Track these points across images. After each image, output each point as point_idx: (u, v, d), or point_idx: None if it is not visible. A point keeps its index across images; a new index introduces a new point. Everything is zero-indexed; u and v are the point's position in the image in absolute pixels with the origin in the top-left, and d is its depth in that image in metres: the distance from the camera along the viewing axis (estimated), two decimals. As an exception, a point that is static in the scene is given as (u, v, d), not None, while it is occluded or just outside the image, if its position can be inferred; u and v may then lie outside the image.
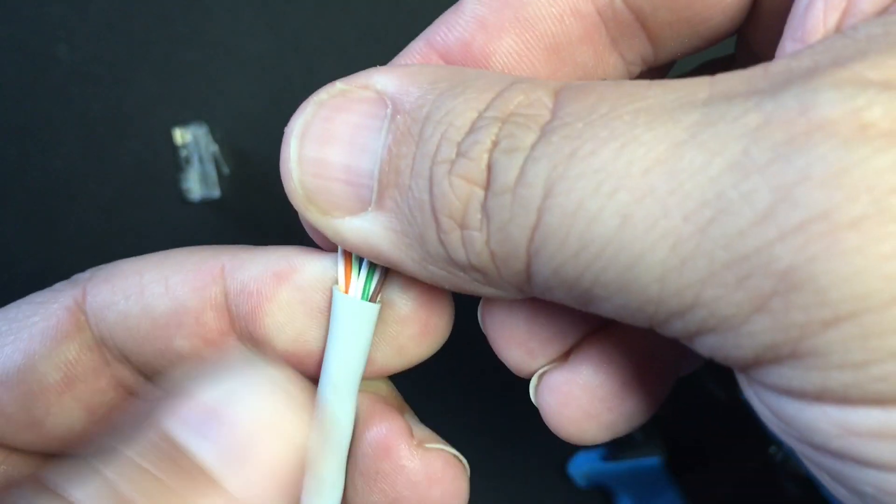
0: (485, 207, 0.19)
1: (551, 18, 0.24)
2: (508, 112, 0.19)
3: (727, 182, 0.16)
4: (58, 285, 0.27)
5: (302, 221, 0.25)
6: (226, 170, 0.60)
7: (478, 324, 0.30)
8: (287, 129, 0.23)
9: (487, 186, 0.19)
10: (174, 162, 0.60)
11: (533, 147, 0.18)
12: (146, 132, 0.60)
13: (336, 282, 0.24)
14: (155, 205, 0.61)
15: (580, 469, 0.56)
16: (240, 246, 0.26)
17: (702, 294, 0.17)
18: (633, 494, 0.56)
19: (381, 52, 0.62)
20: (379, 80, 0.22)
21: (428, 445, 0.27)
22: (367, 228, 0.21)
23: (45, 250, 0.60)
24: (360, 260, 0.24)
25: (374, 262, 0.23)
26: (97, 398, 0.26)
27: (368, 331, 0.24)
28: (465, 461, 0.28)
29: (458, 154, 0.19)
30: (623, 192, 0.17)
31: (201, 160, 0.60)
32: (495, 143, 0.19)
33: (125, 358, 0.26)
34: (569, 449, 0.57)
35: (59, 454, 0.27)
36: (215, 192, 0.60)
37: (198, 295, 0.25)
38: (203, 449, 0.20)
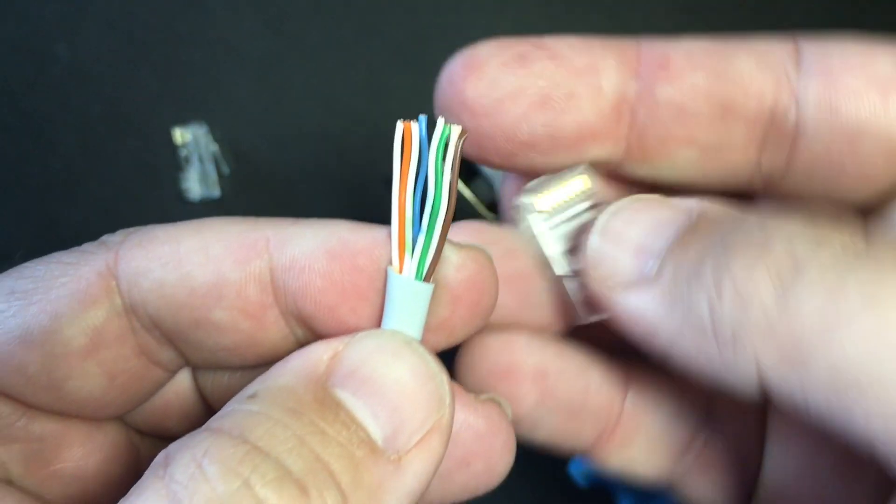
0: (785, 296, 0.21)
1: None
2: (822, 234, 0.21)
3: None
4: (86, 246, 0.26)
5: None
6: (226, 170, 0.60)
7: None
8: (602, 212, 0.26)
9: (791, 281, 0.21)
10: (174, 162, 0.60)
11: (849, 261, 0.20)
12: (146, 132, 0.60)
13: (390, 262, 0.24)
14: (155, 204, 0.61)
15: (581, 469, 0.56)
16: (281, 218, 0.26)
17: None
18: (633, 494, 0.56)
19: (381, 51, 0.63)
20: (691, 201, 0.25)
21: (482, 397, 0.29)
22: (632, 300, 0.24)
23: (45, 250, 0.60)
24: (414, 241, 0.24)
25: (635, 336, 0.25)
26: (120, 365, 0.26)
27: (422, 311, 0.25)
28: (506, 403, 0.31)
29: (764, 246, 0.21)
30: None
31: (201, 160, 0.60)
32: (807, 251, 0.21)
33: (155, 326, 0.26)
34: (569, 449, 0.57)
35: (76, 416, 0.27)
36: (215, 192, 0.60)
37: (241, 267, 0.25)
38: (356, 405, 0.22)
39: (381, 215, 0.26)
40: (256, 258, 0.25)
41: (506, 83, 0.25)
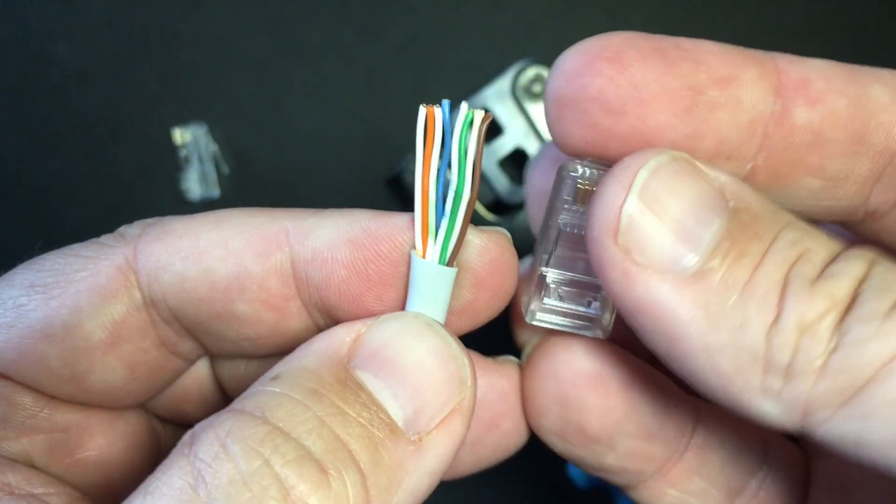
0: (840, 327, 0.19)
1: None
2: (872, 258, 0.20)
3: None
4: (105, 238, 0.26)
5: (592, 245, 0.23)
6: (226, 170, 0.61)
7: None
8: (630, 158, 0.22)
9: (848, 311, 0.19)
10: (174, 162, 0.60)
11: None
12: (146, 132, 0.60)
13: (413, 247, 0.24)
14: (155, 205, 0.61)
15: (580, 469, 0.56)
16: (300, 209, 0.26)
17: None
18: (633, 494, 0.56)
19: (381, 51, 0.63)
20: (721, 174, 0.23)
21: (499, 360, 0.29)
22: (664, 290, 0.21)
23: (46, 250, 0.60)
24: (437, 225, 0.24)
25: (645, 324, 0.22)
26: (140, 357, 0.26)
27: (446, 294, 0.25)
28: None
29: (824, 275, 0.20)
30: None
31: (201, 160, 0.60)
32: (865, 278, 0.20)
33: (175, 319, 0.26)
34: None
35: (98, 406, 0.27)
36: (215, 192, 0.60)
37: (262, 261, 0.25)
38: (377, 386, 0.22)
39: (381, 215, 0.27)
40: (277, 251, 0.25)
41: (648, 81, 0.22)
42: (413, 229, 0.25)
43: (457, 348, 0.24)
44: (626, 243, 0.22)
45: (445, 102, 0.23)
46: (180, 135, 0.60)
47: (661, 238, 0.21)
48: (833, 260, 0.21)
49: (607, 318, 0.25)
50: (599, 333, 0.26)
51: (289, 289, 0.25)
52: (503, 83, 0.55)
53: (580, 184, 0.24)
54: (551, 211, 0.26)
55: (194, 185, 0.60)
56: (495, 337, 0.30)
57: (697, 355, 0.21)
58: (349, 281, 0.25)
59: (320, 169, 0.61)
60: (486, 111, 0.23)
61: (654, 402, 0.28)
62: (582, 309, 0.25)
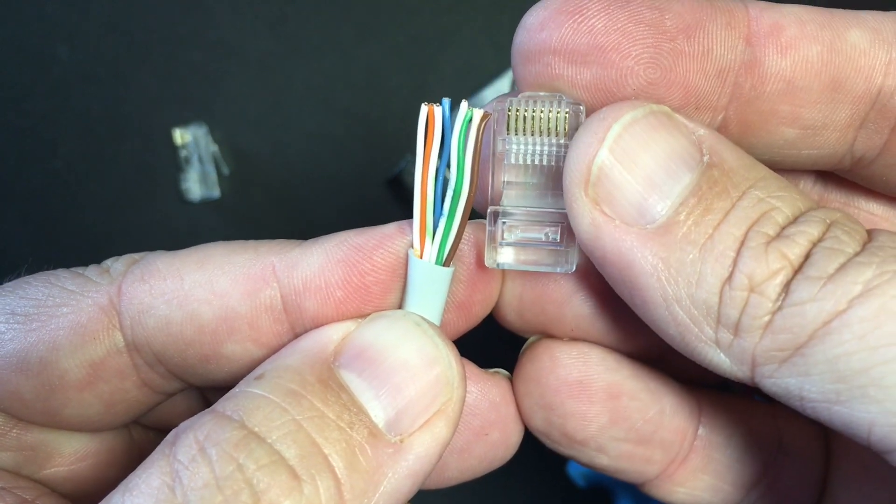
0: (789, 285, 0.20)
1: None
2: (832, 219, 0.21)
3: None
4: (90, 271, 0.26)
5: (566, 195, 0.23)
6: (226, 170, 0.61)
7: (478, 324, 0.30)
8: (608, 110, 0.22)
9: (799, 270, 0.20)
10: (174, 162, 0.60)
11: (857, 254, 0.20)
12: (146, 132, 0.60)
13: (411, 245, 0.24)
14: (155, 205, 0.61)
15: (580, 469, 0.56)
16: (283, 241, 0.25)
17: None
18: (632, 494, 0.56)
19: (382, 52, 0.63)
20: (699, 127, 0.23)
21: (490, 371, 0.29)
22: (633, 243, 0.21)
23: (46, 250, 0.60)
24: (435, 225, 0.24)
25: (611, 273, 0.23)
26: (119, 396, 0.26)
27: (442, 293, 0.25)
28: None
29: (781, 235, 0.20)
30: None
31: (201, 160, 0.60)
32: (819, 239, 0.20)
33: (160, 363, 0.25)
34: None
35: (75, 431, 0.27)
36: (215, 192, 0.60)
37: (250, 300, 0.24)
38: (360, 387, 0.22)
39: (381, 215, 0.26)
40: (266, 287, 0.24)
41: (610, 30, 0.22)
42: (403, 235, 0.24)
43: (444, 349, 0.23)
44: (596, 195, 0.22)
45: (446, 101, 0.23)
46: (180, 135, 0.60)
47: (629, 191, 0.22)
48: (794, 220, 0.21)
49: (570, 250, 0.25)
50: (566, 268, 0.25)
51: (281, 325, 0.25)
52: (503, 83, 0.55)
53: (509, 112, 0.24)
54: (491, 150, 0.25)
55: (194, 185, 0.60)
56: (489, 353, 0.30)
57: (657, 305, 0.21)
58: (347, 301, 0.24)
59: (320, 169, 0.61)
60: (486, 111, 0.23)
61: (645, 409, 0.28)
62: (540, 238, 0.25)
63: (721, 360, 0.21)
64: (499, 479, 0.59)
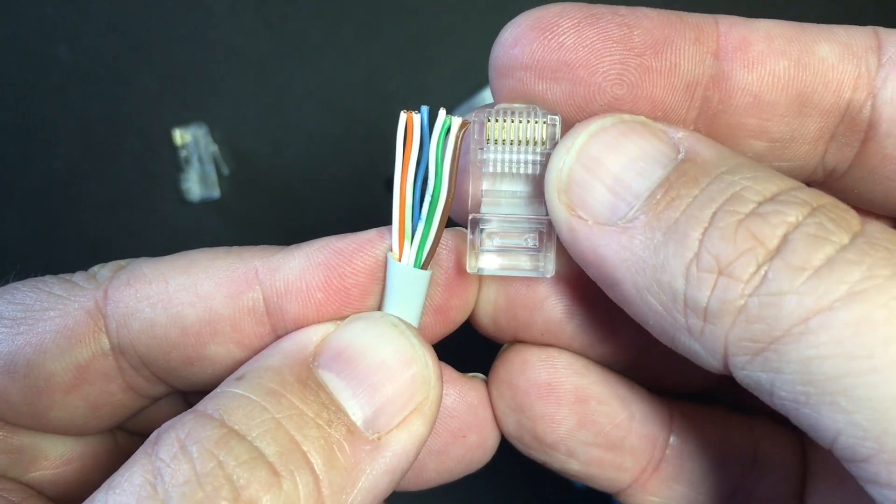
0: (765, 269, 0.19)
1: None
2: (819, 203, 0.20)
3: None
4: (77, 277, 0.26)
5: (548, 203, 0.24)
6: (225, 170, 0.61)
7: (457, 330, 0.30)
8: (580, 124, 0.23)
9: (776, 254, 0.19)
10: (174, 162, 0.60)
11: (845, 247, 0.19)
12: (146, 132, 0.60)
13: (390, 249, 0.25)
14: (155, 205, 0.61)
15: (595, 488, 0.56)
16: (267, 247, 0.26)
17: None
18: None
19: (382, 52, 0.63)
20: (679, 131, 0.23)
21: (468, 375, 0.29)
22: (603, 238, 0.22)
23: (46, 250, 0.60)
24: (413, 229, 0.25)
25: (593, 273, 0.23)
26: (104, 399, 0.26)
27: (420, 296, 0.25)
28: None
29: (754, 213, 0.20)
30: None
31: (201, 160, 0.60)
32: (799, 224, 0.19)
33: (144, 366, 0.26)
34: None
35: (61, 434, 0.27)
36: (215, 192, 0.60)
37: (233, 302, 0.25)
38: (338, 386, 0.22)
39: (380, 215, 0.26)
40: (248, 290, 0.25)
41: (579, 47, 0.23)
42: (382, 240, 0.25)
43: (421, 349, 0.24)
44: (569, 200, 0.23)
45: (424, 108, 0.24)
46: (180, 135, 0.60)
47: (597, 193, 0.22)
48: (772, 198, 0.20)
49: (548, 256, 0.26)
50: (544, 272, 0.26)
51: (263, 327, 0.25)
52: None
53: (488, 122, 0.25)
54: (468, 159, 0.26)
55: (194, 185, 0.60)
56: (468, 359, 0.31)
57: (633, 297, 0.22)
58: (328, 303, 0.25)
59: (320, 169, 0.61)
60: (465, 119, 0.24)
61: (613, 414, 0.28)
62: (520, 244, 0.26)
63: (696, 349, 0.21)
64: (498, 480, 0.59)
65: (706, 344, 0.20)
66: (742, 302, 0.19)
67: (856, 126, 0.24)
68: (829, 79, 0.23)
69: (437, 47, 0.61)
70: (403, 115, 0.24)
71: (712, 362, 0.21)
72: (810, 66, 0.23)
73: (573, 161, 0.23)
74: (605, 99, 0.23)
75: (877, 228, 0.19)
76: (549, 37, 0.23)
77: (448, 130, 0.24)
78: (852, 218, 0.20)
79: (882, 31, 0.24)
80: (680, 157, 0.22)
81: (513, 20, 0.24)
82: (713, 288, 0.20)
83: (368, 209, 0.61)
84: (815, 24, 0.24)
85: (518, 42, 0.23)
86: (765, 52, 0.23)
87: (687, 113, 0.24)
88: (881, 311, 0.18)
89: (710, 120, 0.24)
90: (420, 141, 0.24)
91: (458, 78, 0.61)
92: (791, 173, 0.25)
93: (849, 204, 0.26)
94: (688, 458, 0.29)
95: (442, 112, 0.24)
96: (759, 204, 0.20)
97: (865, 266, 0.18)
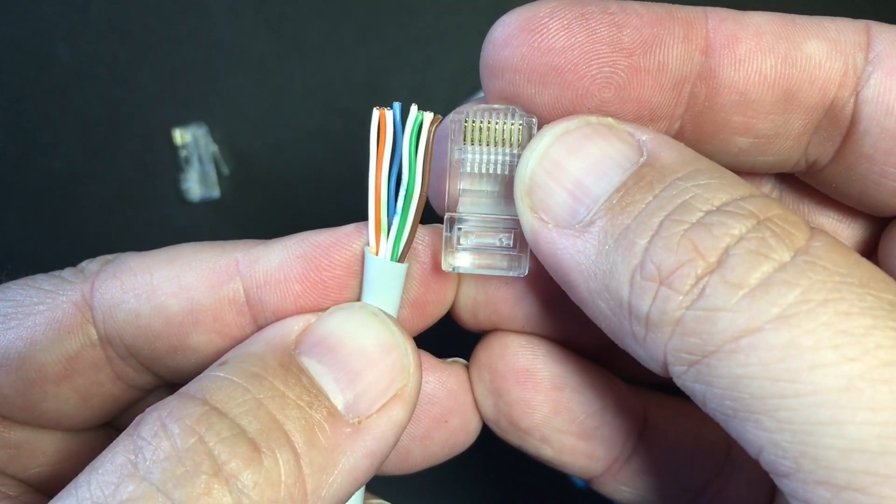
0: (704, 283, 0.19)
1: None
2: (766, 215, 0.20)
3: None
4: (66, 272, 0.27)
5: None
6: (225, 170, 0.61)
7: (465, 330, 0.31)
8: (547, 126, 0.24)
9: (716, 268, 0.19)
10: (174, 162, 0.60)
11: (784, 267, 0.18)
12: (146, 132, 0.60)
13: (367, 243, 0.25)
14: (155, 205, 0.61)
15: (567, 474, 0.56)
16: (250, 241, 0.27)
17: (872, 488, 0.17)
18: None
19: (382, 52, 0.63)
20: (645, 133, 0.23)
21: (448, 361, 0.30)
22: (561, 242, 0.22)
23: (46, 250, 0.60)
24: (389, 223, 0.25)
25: (550, 273, 0.24)
26: (94, 389, 0.27)
27: (398, 288, 0.26)
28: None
29: (699, 222, 0.20)
30: (861, 365, 0.17)
31: (201, 160, 0.60)
32: (742, 237, 0.19)
33: (131, 355, 0.26)
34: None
35: (52, 428, 0.28)
36: (215, 192, 0.60)
37: (214, 293, 0.26)
38: (319, 371, 0.23)
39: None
40: (229, 281, 0.26)
41: (567, 49, 0.23)
42: (360, 235, 0.25)
43: (401, 337, 0.24)
44: (532, 203, 0.23)
45: (396, 105, 0.24)
46: (180, 135, 0.60)
47: (557, 196, 0.23)
48: (719, 208, 0.20)
49: (522, 255, 0.26)
50: (519, 272, 0.26)
51: (243, 317, 0.26)
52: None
53: (465, 123, 0.25)
54: (446, 157, 0.26)
55: (194, 185, 0.60)
56: (449, 348, 0.31)
57: (586, 301, 0.22)
58: (305, 295, 0.25)
59: (320, 169, 0.61)
60: (436, 114, 0.24)
61: (588, 403, 0.29)
62: (494, 243, 0.26)
63: (641, 353, 0.21)
64: (498, 480, 0.59)
65: (648, 351, 0.20)
66: (679, 314, 0.19)
67: (838, 123, 0.24)
68: (816, 77, 0.23)
69: (437, 47, 0.61)
70: (376, 112, 0.24)
71: (655, 367, 0.21)
72: (797, 64, 0.23)
73: (536, 164, 0.23)
74: (593, 103, 0.24)
75: (823, 245, 0.19)
76: (539, 39, 0.23)
77: (420, 126, 0.24)
78: (798, 232, 0.19)
79: (874, 26, 0.24)
80: (642, 160, 0.22)
81: (502, 18, 0.24)
82: (654, 298, 0.20)
83: (368, 209, 0.61)
84: (806, 18, 0.24)
85: (508, 43, 0.23)
86: (753, 49, 0.23)
87: (674, 109, 0.24)
88: (808, 338, 0.18)
89: (697, 116, 0.24)
90: (393, 136, 0.24)
91: (458, 78, 0.61)
92: (774, 166, 0.26)
93: (829, 195, 0.26)
94: (660, 450, 0.30)
95: (414, 108, 0.24)
96: (706, 213, 0.20)
97: (800, 289, 0.18)
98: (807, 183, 0.27)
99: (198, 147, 0.60)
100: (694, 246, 0.19)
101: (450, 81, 0.61)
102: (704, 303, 0.19)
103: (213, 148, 0.60)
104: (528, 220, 0.23)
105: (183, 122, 0.60)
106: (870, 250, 0.27)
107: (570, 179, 0.22)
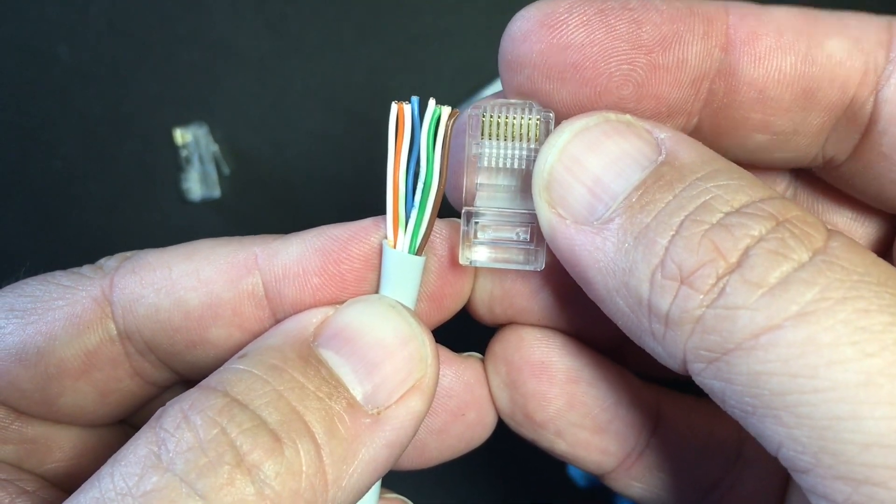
0: (724, 282, 0.19)
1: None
2: (785, 217, 0.20)
3: None
4: (85, 269, 0.27)
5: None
6: (226, 170, 0.61)
7: (481, 324, 0.31)
8: (566, 122, 0.24)
9: (736, 268, 0.19)
10: (175, 162, 0.60)
11: (803, 266, 0.19)
12: (146, 132, 0.60)
13: (385, 237, 0.25)
14: (155, 205, 0.61)
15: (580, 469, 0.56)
16: (268, 235, 0.27)
17: (891, 482, 0.17)
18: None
19: (382, 52, 0.63)
20: (663, 131, 0.23)
21: (464, 355, 0.30)
22: (579, 238, 0.22)
23: (46, 250, 0.60)
24: (407, 217, 0.25)
25: (568, 269, 0.24)
26: (112, 385, 0.27)
27: (416, 281, 0.26)
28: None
29: (720, 223, 0.20)
30: (880, 360, 0.17)
31: (201, 160, 0.60)
32: (762, 237, 0.19)
33: (150, 351, 0.27)
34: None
35: (70, 423, 0.28)
36: (215, 192, 0.60)
37: (233, 286, 0.26)
38: (338, 363, 0.23)
39: (380, 215, 0.27)
40: (248, 275, 0.26)
41: (587, 46, 0.23)
42: (378, 228, 0.26)
43: (418, 328, 0.24)
44: (551, 199, 0.23)
45: (415, 99, 0.24)
46: (181, 135, 0.60)
47: (577, 192, 0.23)
48: (738, 210, 0.20)
49: (539, 250, 0.26)
50: (535, 266, 0.26)
51: (262, 311, 0.26)
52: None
53: (484, 118, 0.25)
54: (464, 152, 0.26)
55: (195, 185, 0.60)
56: (465, 342, 0.31)
57: (604, 298, 0.22)
58: (324, 288, 0.25)
59: (320, 169, 0.61)
60: (454, 108, 0.24)
61: (602, 398, 0.29)
62: (511, 238, 0.26)
63: (660, 352, 0.21)
64: (499, 479, 0.59)
65: (667, 348, 0.21)
66: (700, 312, 0.20)
67: (856, 121, 0.24)
68: (836, 75, 0.23)
69: (437, 47, 0.61)
70: (395, 107, 0.25)
71: (674, 365, 0.21)
72: (818, 62, 0.23)
73: (555, 160, 0.23)
74: (611, 100, 0.24)
75: (840, 245, 0.19)
76: (558, 35, 0.23)
77: (438, 120, 0.24)
78: (816, 233, 0.20)
79: None
80: (660, 158, 0.22)
81: (521, 13, 0.24)
82: (675, 296, 0.20)
83: (369, 209, 0.61)
84: (827, 14, 0.24)
85: (527, 38, 0.23)
86: (773, 47, 0.23)
87: (692, 106, 0.24)
88: (827, 334, 0.18)
89: (715, 112, 0.24)
90: (411, 130, 0.24)
91: (458, 78, 0.61)
92: (791, 162, 0.26)
93: (844, 192, 0.26)
94: (672, 446, 0.30)
95: (432, 102, 0.24)
96: (726, 215, 0.20)
97: (818, 287, 0.18)
98: (823, 179, 0.27)
99: (198, 147, 0.60)
100: (715, 246, 0.20)
101: (450, 81, 0.61)
102: (725, 301, 0.19)
103: (214, 148, 0.60)
104: (547, 216, 0.23)
105: (183, 121, 0.60)
106: (884, 249, 0.28)
107: (590, 176, 0.22)
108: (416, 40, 0.61)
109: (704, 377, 0.20)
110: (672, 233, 0.20)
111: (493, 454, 0.59)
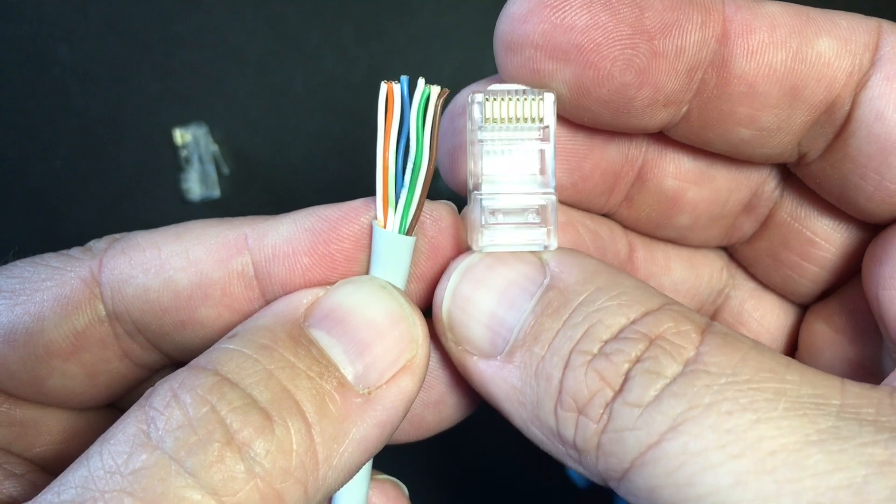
0: (610, 408, 0.20)
1: None
2: (657, 334, 0.21)
3: (844, 499, 0.18)
4: (73, 250, 0.27)
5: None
6: (226, 170, 0.61)
7: None
8: (453, 263, 0.25)
9: (619, 392, 0.20)
10: (174, 162, 0.60)
11: (674, 380, 0.20)
12: (146, 132, 0.60)
13: (375, 217, 0.25)
14: (155, 205, 0.61)
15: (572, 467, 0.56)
16: (255, 216, 0.27)
17: None
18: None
19: (381, 52, 0.63)
20: (547, 253, 0.24)
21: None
22: (489, 374, 0.23)
23: (46, 249, 0.60)
24: (397, 197, 0.25)
25: (492, 405, 0.25)
26: (101, 366, 0.27)
27: (406, 261, 0.26)
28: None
29: (601, 352, 0.21)
30: (746, 460, 0.18)
31: (201, 160, 0.60)
32: (638, 359, 0.21)
33: (139, 332, 0.26)
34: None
35: (58, 406, 0.28)
36: (215, 192, 0.60)
37: (223, 266, 0.26)
38: (329, 343, 0.23)
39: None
40: (237, 255, 0.26)
41: (590, 28, 0.23)
42: (368, 210, 0.25)
43: (409, 309, 0.24)
44: (455, 338, 0.24)
45: (404, 78, 0.24)
46: (181, 135, 0.60)
47: (475, 330, 0.24)
48: (616, 335, 0.21)
49: (550, 229, 0.26)
50: (549, 244, 0.26)
51: (252, 291, 0.26)
52: (503, 83, 0.55)
53: (487, 102, 0.25)
54: (469, 139, 0.26)
55: (195, 185, 0.60)
56: None
57: (522, 428, 0.23)
58: (314, 269, 0.25)
59: (320, 169, 0.61)
60: (443, 88, 0.24)
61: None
62: (521, 220, 0.26)
63: (584, 472, 0.22)
64: (499, 479, 0.59)
65: (588, 470, 0.22)
66: (597, 440, 0.21)
67: (833, 121, 0.24)
68: (823, 74, 0.23)
69: (437, 47, 0.61)
70: (384, 86, 0.24)
71: (600, 482, 0.22)
72: (808, 60, 0.23)
73: (450, 304, 0.24)
74: (613, 85, 0.23)
75: (711, 348, 0.20)
76: (560, 16, 0.23)
77: (427, 99, 0.24)
78: (686, 343, 0.21)
79: (886, 25, 0.24)
80: (546, 281, 0.23)
81: None
82: (576, 427, 0.21)
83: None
84: (820, 12, 0.24)
85: (528, 18, 0.23)
86: (765, 42, 0.23)
87: (685, 94, 0.24)
88: (697, 442, 0.19)
89: (704, 103, 0.24)
90: (401, 110, 0.24)
91: (458, 78, 0.61)
92: (772, 158, 0.26)
93: (812, 190, 0.26)
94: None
95: (421, 81, 0.24)
96: (606, 343, 0.21)
97: (687, 398, 0.19)
98: (808, 191, 0.27)
99: (198, 147, 0.60)
100: (600, 376, 0.21)
101: (450, 81, 0.61)
102: (613, 425, 0.20)
103: (214, 148, 0.60)
104: (455, 355, 0.24)
105: (183, 121, 0.60)
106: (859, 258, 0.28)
107: (484, 312, 0.24)
108: (416, 40, 0.61)
109: (622, 493, 0.21)
110: (563, 365, 0.21)
111: (493, 454, 0.59)
